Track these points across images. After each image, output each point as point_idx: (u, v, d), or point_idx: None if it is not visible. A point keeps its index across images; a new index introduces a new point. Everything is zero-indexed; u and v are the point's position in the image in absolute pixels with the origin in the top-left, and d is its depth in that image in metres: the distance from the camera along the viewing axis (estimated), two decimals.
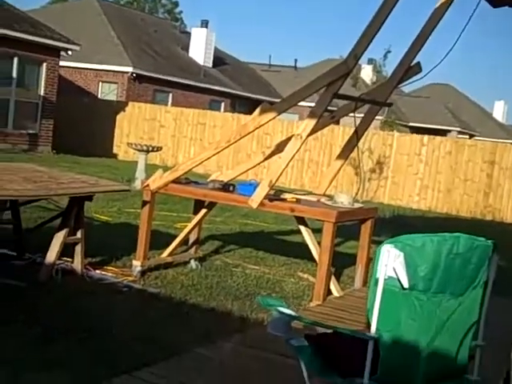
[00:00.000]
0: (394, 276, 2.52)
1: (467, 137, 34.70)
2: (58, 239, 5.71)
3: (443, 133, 32.99)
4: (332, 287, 6.17)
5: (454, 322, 2.64)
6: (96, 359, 4.13)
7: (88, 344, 4.39)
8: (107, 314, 5.07)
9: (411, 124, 36.81)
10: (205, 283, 6.36)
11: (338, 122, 25.42)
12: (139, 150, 14.04)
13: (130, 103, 22.30)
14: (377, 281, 2.53)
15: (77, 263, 5.98)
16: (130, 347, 4.38)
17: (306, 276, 7.17)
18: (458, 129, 39.08)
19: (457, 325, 2.66)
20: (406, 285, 2.52)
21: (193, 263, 6.95)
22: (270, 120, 6.07)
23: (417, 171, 17.61)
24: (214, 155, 6.35)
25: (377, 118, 7.91)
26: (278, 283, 6.82)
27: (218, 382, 3.65)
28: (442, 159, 17.40)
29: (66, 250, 6.03)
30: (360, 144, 7.06)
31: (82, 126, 21.47)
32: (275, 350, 4.03)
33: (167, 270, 6.63)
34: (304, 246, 6.42)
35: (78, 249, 5.96)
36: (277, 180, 5.76)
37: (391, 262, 2.50)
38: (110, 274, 6.20)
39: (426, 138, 17.93)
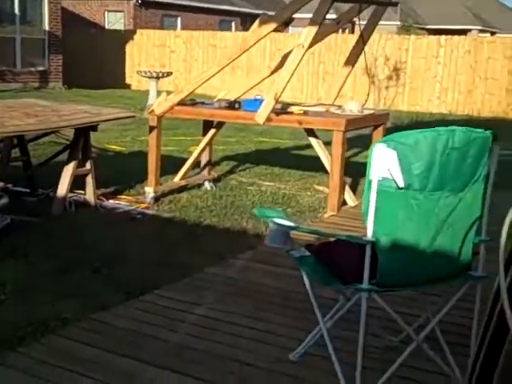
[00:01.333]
0: (388, 176, 2.42)
1: (488, 35, 33.66)
2: (68, 172, 5.69)
3: (463, 33, 32.01)
4: (347, 197, 6.11)
5: (455, 219, 2.55)
6: (109, 286, 4.15)
7: (102, 272, 4.41)
8: (121, 242, 5.08)
9: (429, 27, 35.75)
10: (219, 204, 6.33)
11: (352, 31, 24.72)
12: (149, 77, 13.87)
13: (138, 31, 21.92)
14: (370, 183, 2.43)
15: (89, 195, 5.97)
16: (143, 272, 4.39)
17: (321, 188, 7.10)
18: (479, 27, 37.90)
19: (458, 222, 2.57)
20: (400, 184, 2.42)
21: (207, 185, 6.91)
22: (270, 32, 5.87)
23: (435, 74, 17.18)
24: (216, 73, 6.18)
25: (393, 23, 7.62)
26: (293, 198, 6.77)
27: (228, 299, 3.65)
28: (461, 59, 16.91)
29: (78, 183, 6.02)
30: (374, 50, 6.83)
31: (91, 58, 21.23)
32: (286, 265, 4.01)
33: (181, 193, 6.61)
34: (320, 160, 6.33)
35: (89, 180, 5.94)
36: (282, 92, 5.61)
37: (384, 162, 2.40)
38: (123, 203, 6.20)
39: (443, 38, 17.39)
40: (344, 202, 6.09)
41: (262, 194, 6.82)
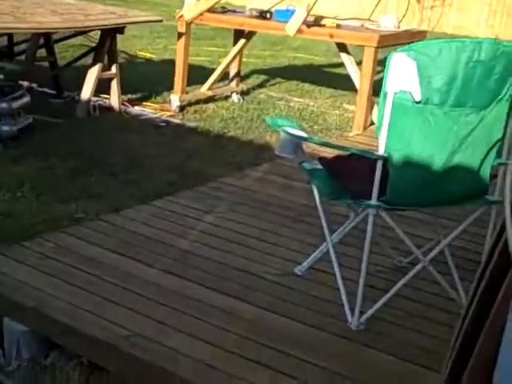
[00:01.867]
0: (406, 89, 2.29)
1: None
2: (92, 75, 5.61)
3: None
4: (374, 117, 5.95)
5: (474, 138, 2.42)
6: (124, 190, 4.14)
7: (119, 176, 4.40)
8: (142, 147, 5.05)
9: None
10: (245, 116, 6.23)
11: None
12: None
13: None
14: (386, 94, 2.31)
15: (114, 100, 5.91)
16: (160, 178, 4.38)
17: (351, 108, 6.93)
18: None
19: (478, 141, 2.44)
20: (418, 98, 2.29)
21: (234, 97, 6.79)
22: None
23: None
24: None
25: None
26: (321, 115, 6.63)
27: (241, 210, 3.60)
28: None
29: (104, 88, 5.96)
30: None
31: None
32: (303, 179, 3.93)
33: (207, 104, 6.50)
34: (352, 79, 6.14)
35: (114, 84, 5.87)
36: (314, 4, 5.39)
37: (402, 73, 2.27)
38: (148, 110, 6.13)
39: None
40: (372, 123, 5.94)
41: (290, 110, 6.69)
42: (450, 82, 2.29)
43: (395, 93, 2.29)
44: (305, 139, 2.63)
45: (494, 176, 2.55)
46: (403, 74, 2.27)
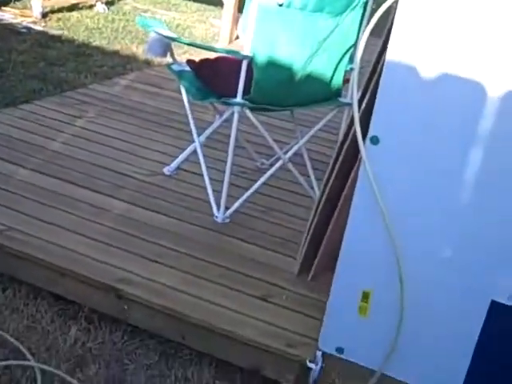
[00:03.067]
0: None
1: None
2: None
3: None
4: (239, 31, 6.06)
5: (330, 43, 2.61)
6: None
7: None
8: (3, 54, 4.88)
9: None
10: (111, 27, 6.14)
11: None
12: None
13: None
14: None
15: None
16: (25, 85, 4.29)
17: (217, 23, 6.99)
18: None
19: (333, 46, 2.64)
20: (281, 1, 2.44)
21: (99, 6, 6.64)
22: None
23: None
24: None
25: None
26: (188, 29, 6.66)
27: (110, 115, 3.65)
28: None
29: None
30: None
31: None
32: (170, 88, 4.03)
33: (71, 12, 6.33)
34: None
35: None
36: None
37: None
38: (7, 15, 5.89)
39: None
40: (237, 37, 6.05)
41: None
42: None
43: None
44: (173, 39, 2.71)
45: (346, 80, 2.77)
46: None
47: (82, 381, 2.12)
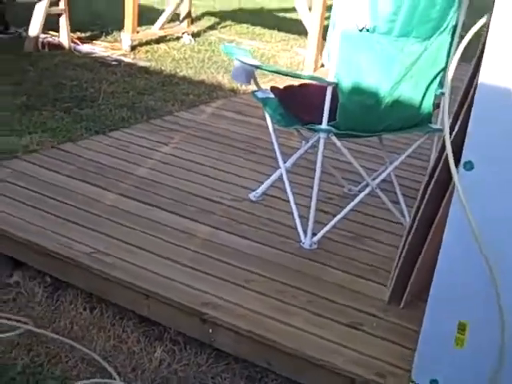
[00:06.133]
0: (353, 18, 2.40)
1: None
2: (40, 10, 5.56)
3: None
4: (325, 59, 6.06)
5: (418, 68, 2.57)
6: (78, 123, 4.18)
7: (72, 111, 4.43)
8: (94, 85, 5.06)
9: None
10: (197, 57, 6.27)
11: None
12: None
13: None
14: (335, 24, 2.42)
15: (63, 36, 5.87)
16: (114, 114, 4.42)
17: (302, 51, 7.03)
18: None
19: (422, 71, 2.59)
20: (366, 26, 2.41)
21: (186, 38, 6.81)
22: None
23: None
24: None
25: None
26: (272, 58, 6.71)
27: (196, 141, 3.70)
28: None
29: (53, 24, 5.89)
30: None
31: None
32: (256, 115, 4.05)
33: (158, 44, 6.52)
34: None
35: (63, 21, 5.82)
36: None
37: (350, 1, 2.38)
38: (98, 48, 6.11)
39: None
40: (322, 65, 6.06)
41: None
42: (395, 12, 2.42)
43: (343, 21, 2.40)
44: (257, 67, 2.73)
45: (437, 105, 2.71)
46: (351, 3, 2.38)
47: None
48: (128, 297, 2.36)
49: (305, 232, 2.72)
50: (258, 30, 7.93)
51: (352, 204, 2.76)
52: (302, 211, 2.80)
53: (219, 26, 7.91)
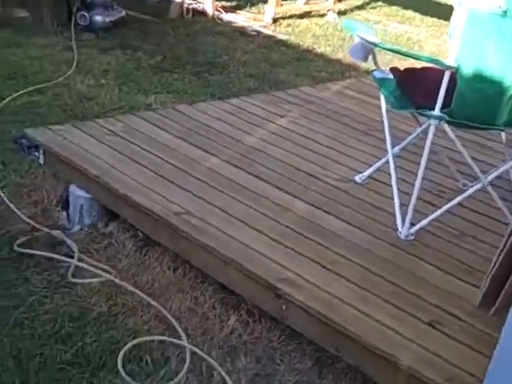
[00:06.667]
0: None
1: None
2: None
3: None
4: None
5: None
6: (203, 88, 4.23)
7: (203, 76, 4.49)
8: (229, 53, 5.11)
9: None
10: (338, 35, 6.15)
11: None
12: None
13: None
14: (460, 3, 2.25)
15: (208, 4, 5.97)
16: (243, 82, 4.44)
17: None
18: None
19: None
20: (498, 10, 2.22)
21: (330, 15, 6.70)
22: None
23: None
24: None
25: None
26: (417, 43, 6.46)
27: (313, 117, 3.62)
28: None
29: None
30: None
31: None
32: (379, 96, 3.88)
33: (301, 19, 6.47)
34: None
35: None
36: None
37: None
38: (241, 18, 6.16)
39: None
40: None
41: (386, 34, 6.55)
42: None
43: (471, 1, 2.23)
44: (375, 45, 2.60)
45: None
46: None
47: (230, 371, 2.10)
48: (210, 262, 2.34)
49: (403, 221, 2.58)
50: (408, 13, 7.65)
51: (458, 199, 2.58)
52: (406, 200, 2.65)
53: (368, 6, 7.72)
